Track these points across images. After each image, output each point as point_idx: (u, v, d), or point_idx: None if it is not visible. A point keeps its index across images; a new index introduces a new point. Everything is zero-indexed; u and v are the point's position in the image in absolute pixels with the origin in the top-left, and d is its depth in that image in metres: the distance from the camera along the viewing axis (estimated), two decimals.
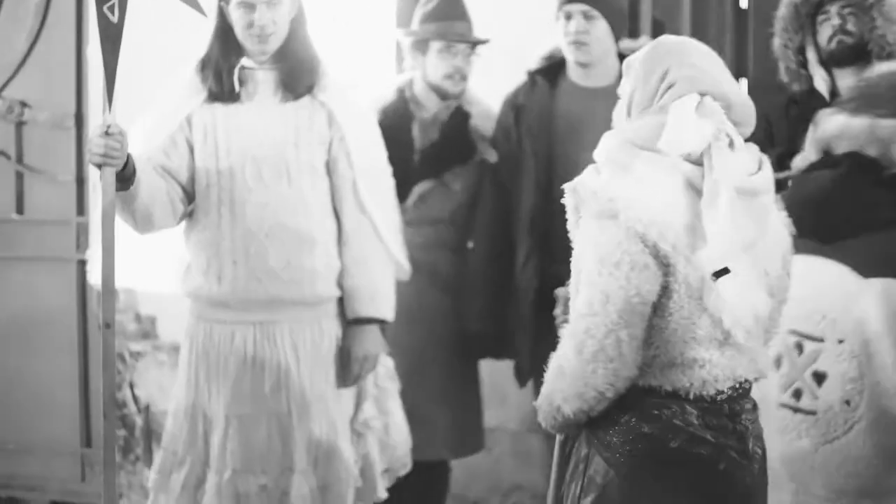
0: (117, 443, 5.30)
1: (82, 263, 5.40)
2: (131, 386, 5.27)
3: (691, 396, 2.64)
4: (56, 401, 5.40)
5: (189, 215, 3.78)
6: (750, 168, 2.64)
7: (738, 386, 2.69)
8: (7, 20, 5.50)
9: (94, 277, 3.73)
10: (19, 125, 5.48)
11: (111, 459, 3.32)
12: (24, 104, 5.45)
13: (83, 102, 5.38)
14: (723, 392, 2.66)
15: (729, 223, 2.54)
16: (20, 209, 5.50)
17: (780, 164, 3.78)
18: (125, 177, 3.42)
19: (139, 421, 5.27)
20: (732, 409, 2.68)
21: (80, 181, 5.38)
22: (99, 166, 3.35)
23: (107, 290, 3.34)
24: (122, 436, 5.29)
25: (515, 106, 4.19)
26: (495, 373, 4.73)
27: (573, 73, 4.15)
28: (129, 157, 3.40)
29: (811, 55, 3.93)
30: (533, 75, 4.20)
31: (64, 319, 5.28)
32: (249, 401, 3.72)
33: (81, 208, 5.40)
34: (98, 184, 5.16)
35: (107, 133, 3.31)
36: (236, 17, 3.65)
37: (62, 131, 5.40)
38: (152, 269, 3.92)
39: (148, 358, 5.22)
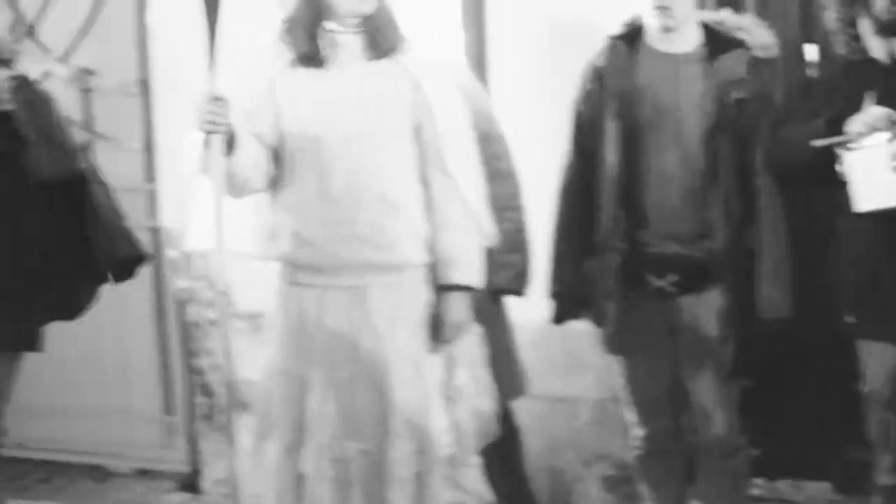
0: (200, 411, 5.34)
1: (154, 231, 5.41)
2: (210, 354, 5.26)
3: None
4: (136, 368, 5.41)
5: (274, 180, 3.75)
6: None
7: None
8: None
9: (196, 243, 3.74)
10: (86, 93, 5.45)
11: (229, 435, 3.36)
12: (88, 71, 5.42)
13: (147, 68, 5.35)
14: None
15: None
16: None
17: (834, 127, 3.79)
18: (228, 142, 3.44)
19: (221, 389, 5.25)
20: None
21: (149, 148, 5.36)
22: (206, 133, 3.36)
23: (218, 255, 3.44)
24: (205, 403, 5.29)
25: (597, 70, 4.15)
26: (572, 340, 4.70)
27: (654, 38, 4.10)
28: (231, 123, 3.42)
29: (865, 27, 3.95)
30: (614, 40, 4.15)
31: (138, 287, 5.25)
32: (346, 365, 3.70)
33: (151, 175, 5.37)
34: (168, 152, 5.19)
35: (212, 100, 3.35)
36: None
37: (128, 98, 5.38)
38: (231, 234, 3.90)
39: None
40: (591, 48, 4.22)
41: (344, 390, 3.69)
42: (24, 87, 4.09)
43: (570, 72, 4.27)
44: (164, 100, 5.27)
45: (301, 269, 3.74)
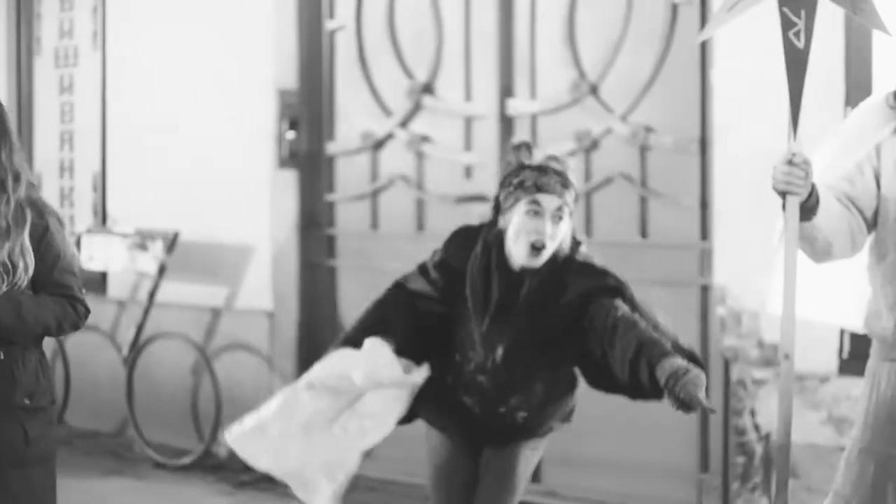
0: (735, 470, 5.30)
1: (704, 289, 5.43)
2: (752, 413, 5.22)
3: None
4: (673, 424, 5.42)
5: (870, 248, 3.65)
6: None
7: None
8: (632, 49, 5.63)
9: (772, 306, 3.66)
10: (643, 149, 5.57)
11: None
12: (647, 129, 5.54)
13: (707, 126, 5.40)
14: None
15: None
16: (643, 233, 5.59)
17: None
18: (807, 206, 3.35)
19: (759, 449, 5.20)
20: None
21: (704, 206, 5.40)
22: (782, 194, 3.31)
23: (787, 319, 3.33)
24: (741, 463, 5.25)
25: None
26: None
27: None
28: (812, 186, 3.34)
29: None
30: None
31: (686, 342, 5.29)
32: None
33: (705, 233, 5.41)
34: (724, 210, 5.21)
35: (791, 162, 3.28)
36: None
37: (686, 156, 5.45)
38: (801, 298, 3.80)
39: (770, 385, 5.14)
40: None
41: None
42: None
43: None
44: (722, 158, 5.29)
45: (893, 344, 3.61)
